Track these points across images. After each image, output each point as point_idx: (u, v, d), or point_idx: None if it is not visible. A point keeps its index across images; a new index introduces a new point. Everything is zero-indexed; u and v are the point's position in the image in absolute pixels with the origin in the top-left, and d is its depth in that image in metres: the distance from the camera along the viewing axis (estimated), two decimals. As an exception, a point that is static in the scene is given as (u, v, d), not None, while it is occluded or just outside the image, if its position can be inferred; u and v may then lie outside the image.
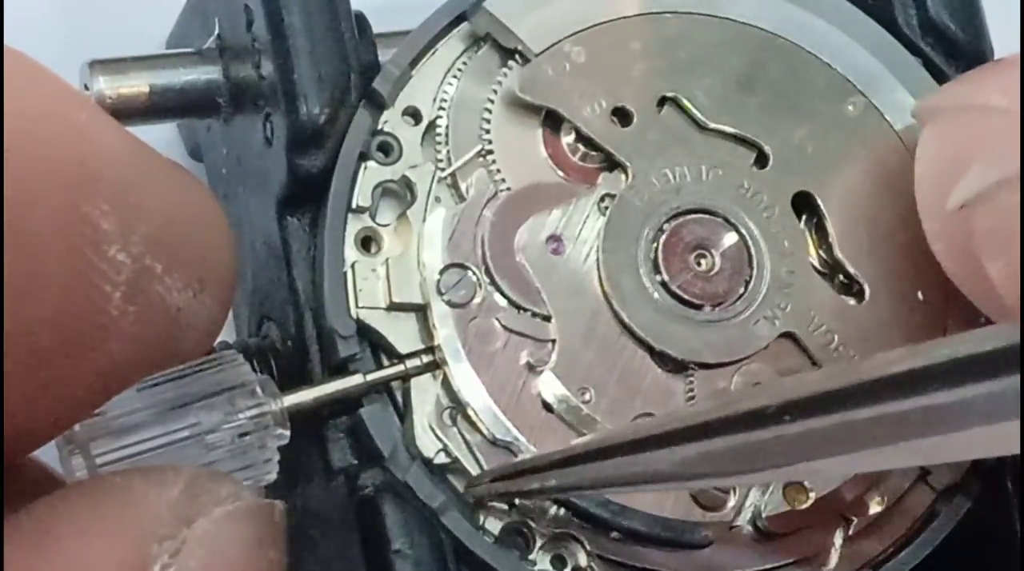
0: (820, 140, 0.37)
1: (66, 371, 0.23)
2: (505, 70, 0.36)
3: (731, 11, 0.37)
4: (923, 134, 0.31)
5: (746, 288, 0.35)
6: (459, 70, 0.36)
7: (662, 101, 0.36)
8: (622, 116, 0.36)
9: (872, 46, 0.38)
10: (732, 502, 0.34)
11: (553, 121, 0.36)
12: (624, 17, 0.37)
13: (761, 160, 0.37)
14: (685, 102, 0.36)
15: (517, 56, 0.36)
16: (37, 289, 0.22)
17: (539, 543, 0.34)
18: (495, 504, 0.34)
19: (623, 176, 0.36)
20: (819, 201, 0.36)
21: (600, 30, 0.36)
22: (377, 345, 0.34)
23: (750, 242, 0.36)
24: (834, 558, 0.36)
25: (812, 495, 0.35)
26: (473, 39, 0.36)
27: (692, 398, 0.34)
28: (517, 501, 0.34)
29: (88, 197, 0.22)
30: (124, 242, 0.23)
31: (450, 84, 0.36)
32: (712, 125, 0.36)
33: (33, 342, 0.22)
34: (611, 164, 0.36)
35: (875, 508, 0.36)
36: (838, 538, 0.36)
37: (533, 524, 0.34)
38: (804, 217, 0.36)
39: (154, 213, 0.24)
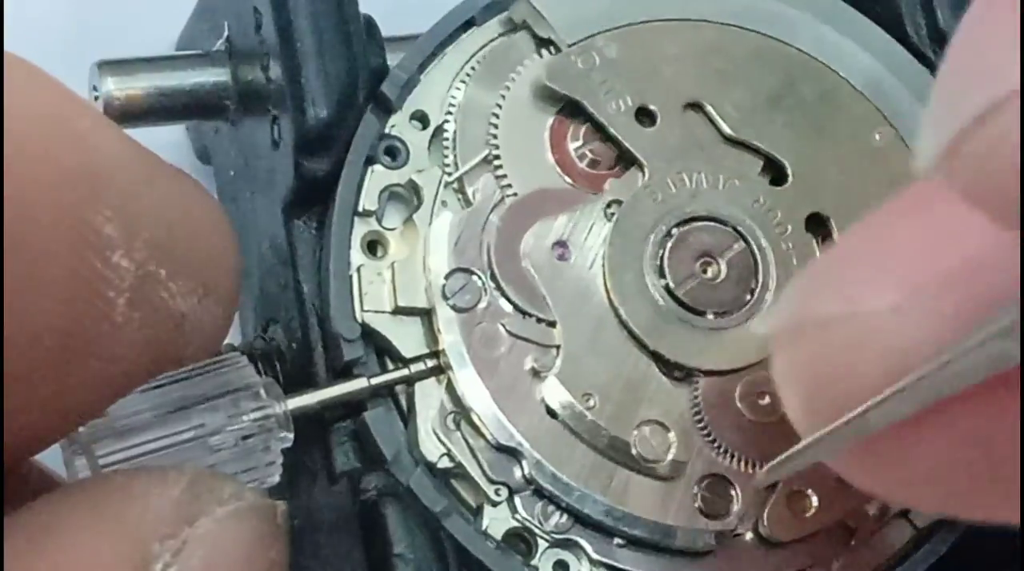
0: (842, 165, 0.37)
1: (70, 377, 0.23)
2: (527, 61, 0.36)
3: (770, 28, 0.37)
4: (775, 360, 0.28)
5: (750, 299, 0.35)
6: (467, 75, 0.36)
7: (688, 107, 0.36)
8: (646, 116, 0.36)
9: (906, 78, 0.38)
10: (735, 509, 0.34)
11: (567, 117, 0.36)
12: (662, 20, 0.37)
13: (780, 177, 0.36)
14: (711, 110, 0.36)
15: (550, 47, 0.36)
16: (40, 295, 0.22)
17: (541, 548, 0.34)
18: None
19: (639, 175, 0.36)
20: (833, 224, 0.36)
21: (636, 30, 0.36)
22: (382, 349, 0.34)
23: (758, 254, 0.35)
24: (837, 567, 0.36)
25: (815, 503, 0.35)
26: (508, 27, 0.37)
27: (696, 405, 0.34)
28: (520, 507, 0.34)
29: (91, 202, 0.22)
30: (127, 248, 0.23)
31: (458, 89, 0.36)
32: (736, 136, 0.36)
33: (37, 348, 0.22)
34: (626, 164, 0.36)
35: (879, 517, 0.36)
36: (841, 546, 0.36)
37: (536, 530, 0.34)
38: (816, 238, 0.36)
39: (157, 218, 0.24)
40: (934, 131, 0.20)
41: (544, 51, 0.36)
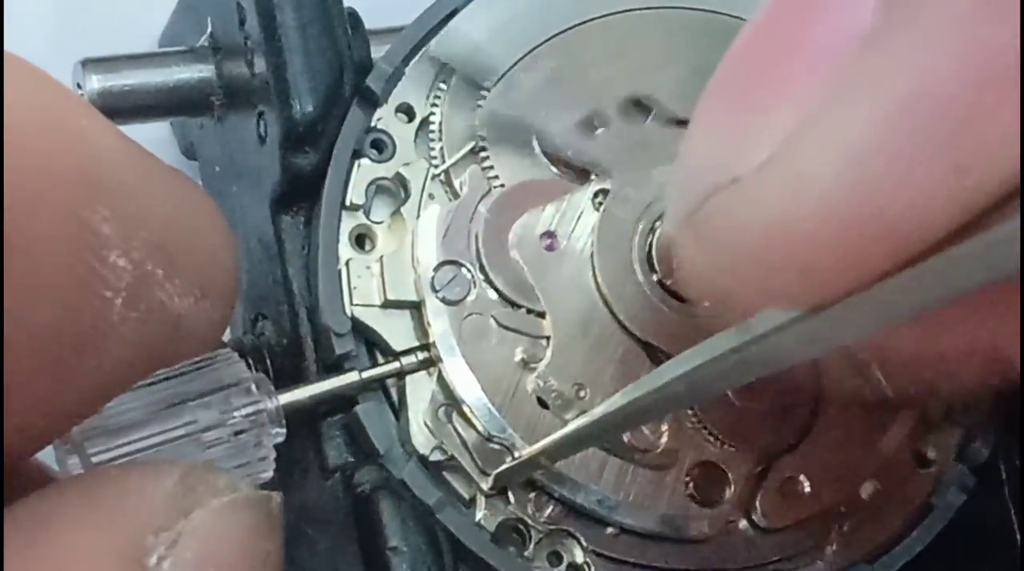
0: None
1: (66, 376, 0.23)
2: (480, 101, 0.36)
3: (671, 0, 0.37)
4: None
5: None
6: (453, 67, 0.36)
7: (629, 103, 0.36)
8: (591, 126, 0.36)
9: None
10: (728, 496, 0.34)
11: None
12: (571, 27, 0.36)
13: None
14: (652, 97, 0.36)
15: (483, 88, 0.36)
16: (38, 295, 0.22)
17: (535, 539, 0.34)
18: (503, 493, 0.34)
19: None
20: None
21: (548, 47, 0.36)
22: (372, 343, 0.34)
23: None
24: (829, 552, 0.36)
25: (807, 489, 0.35)
26: (436, 70, 0.36)
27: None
28: (513, 498, 0.34)
29: (88, 202, 0.22)
30: (125, 248, 0.23)
31: (443, 81, 0.36)
32: (685, 116, 0.36)
33: (33, 348, 0.22)
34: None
35: (870, 502, 0.36)
36: (833, 532, 0.36)
37: (529, 521, 0.34)
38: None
39: (155, 219, 0.24)
40: (677, 200, 0.24)
41: (483, 90, 0.36)
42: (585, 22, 0.36)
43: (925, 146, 0.20)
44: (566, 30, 0.36)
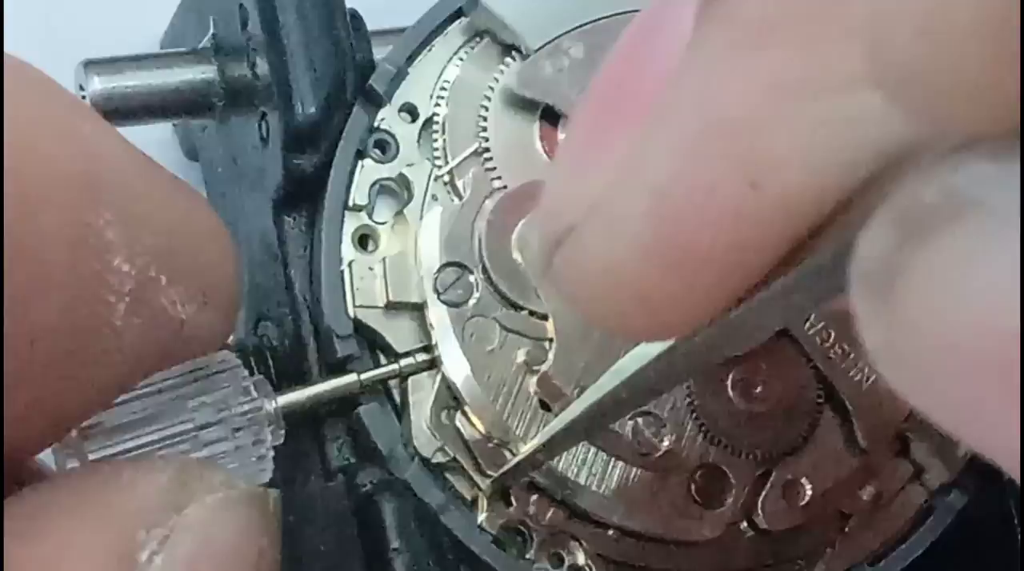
0: None
1: (68, 380, 0.23)
2: (502, 67, 0.36)
3: None
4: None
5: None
6: (456, 66, 0.36)
7: None
8: None
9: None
10: (730, 499, 0.34)
11: (550, 118, 0.36)
12: (624, 13, 0.36)
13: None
14: None
15: (515, 52, 0.36)
16: (40, 298, 0.22)
17: (537, 542, 0.34)
18: (505, 495, 0.34)
19: None
20: None
21: (599, 26, 0.36)
22: (375, 344, 0.34)
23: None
24: (831, 554, 0.36)
25: (809, 492, 0.35)
26: (471, 33, 0.36)
27: (690, 396, 0.34)
28: (515, 500, 0.34)
29: (92, 206, 0.22)
30: (128, 253, 0.23)
31: (447, 81, 0.36)
32: None
33: (36, 351, 0.22)
34: None
35: (871, 504, 0.36)
36: (836, 534, 0.36)
37: (531, 523, 0.34)
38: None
39: (158, 225, 0.24)
40: (536, 243, 0.24)
41: (509, 57, 0.36)
42: (617, 14, 0.36)
43: (718, 169, 0.21)
44: (618, 14, 0.36)
